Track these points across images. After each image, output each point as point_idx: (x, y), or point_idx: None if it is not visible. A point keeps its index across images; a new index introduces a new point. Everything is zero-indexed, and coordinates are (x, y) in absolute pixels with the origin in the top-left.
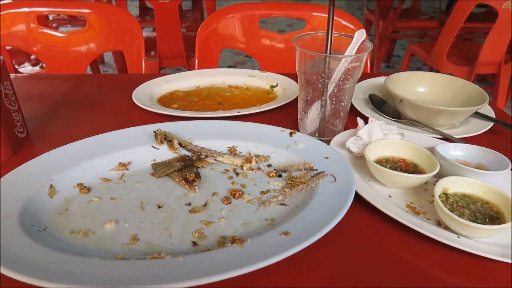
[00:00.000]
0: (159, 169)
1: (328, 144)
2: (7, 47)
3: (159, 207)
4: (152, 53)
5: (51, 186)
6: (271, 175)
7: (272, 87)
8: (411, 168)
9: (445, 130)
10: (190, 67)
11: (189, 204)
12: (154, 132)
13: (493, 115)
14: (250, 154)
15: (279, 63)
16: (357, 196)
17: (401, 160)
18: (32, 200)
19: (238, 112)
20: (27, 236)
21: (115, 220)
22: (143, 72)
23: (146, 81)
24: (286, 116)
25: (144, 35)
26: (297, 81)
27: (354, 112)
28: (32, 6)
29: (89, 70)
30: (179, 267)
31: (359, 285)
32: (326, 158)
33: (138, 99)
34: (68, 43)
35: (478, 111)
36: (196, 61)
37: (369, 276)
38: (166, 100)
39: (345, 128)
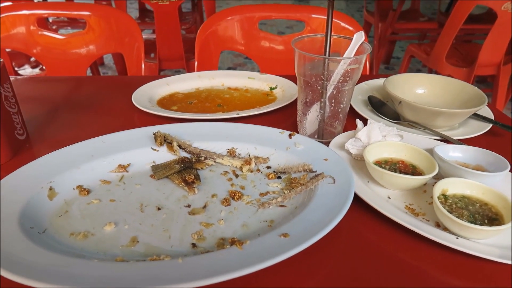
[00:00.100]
0: (159, 171)
1: (327, 145)
2: (7, 50)
3: (159, 209)
4: (152, 55)
5: (50, 188)
6: (270, 176)
7: (271, 89)
8: (410, 170)
9: (444, 132)
10: (189, 69)
11: (189, 206)
12: (154, 134)
13: (492, 116)
14: (249, 156)
15: (279, 65)
16: (356, 198)
17: (400, 162)
18: (31, 202)
19: (238, 114)
20: (26, 238)
21: (114, 222)
22: (143, 74)
23: (146, 83)
24: (285, 118)
25: (143, 37)
26: (296, 83)
27: (353, 114)
28: (32, 9)
29: (89, 72)
30: (179, 269)
31: (359, 286)
32: (325, 159)
33: (138, 101)
34: (68, 45)
35: (477, 112)
36: (196, 63)
37: (368, 277)
38: (166, 102)
39: (344, 130)
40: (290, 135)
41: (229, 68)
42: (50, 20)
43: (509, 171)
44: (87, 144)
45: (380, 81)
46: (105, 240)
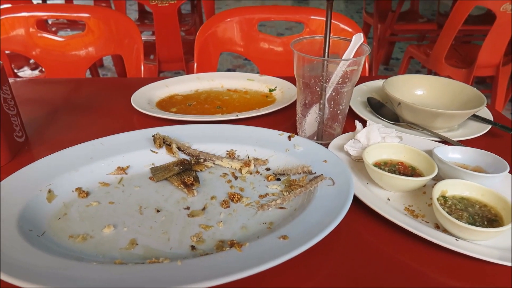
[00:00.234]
0: (158, 173)
1: (327, 147)
2: (6, 52)
3: (158, 211)
4: (151, 56)
5: (49, 191)
6: (269, 178)
7: (270, 90)
8: (410, 171)
9: (443, 133)
10: (189, 70)
11: (188, 208)
12: (153, 136)
13: (491, 117)
14: (248, 157)
15: (278, 67)
16: (356, 199)
17: (399, 163)
18: (30, 205)
19: (237, 115)
20: (25, 241)
21: (113, 225)
22: (142, 76)
23: (145, 85)
24: (284, 120)
25: (143, 38)
26: (295, 85)
27: (352, 115)
28: (31, 11)
29: (88, 74)
30: (178, 272)
31: None
32: (325, 161)
33: (137, 103)
34: (67, 47)
35: (476, 113)
36: (195, 64)
37: (367, 279)
38: (165, 104)
39: (344, 131)
40: (289, 137)
41: (228, 70)
42: (50, 22)
43: (509, 172)
44: (86, 146)
45: (379, 83)
46: (104, 243)
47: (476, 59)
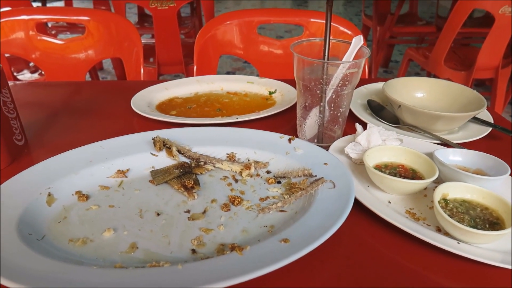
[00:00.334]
0: (158, 176)
1: (327, 150)
2: (6, 55)
3: (158, 214)
4: (151, 59)
5: (49, 194)
6: (270, 181)
7: (270, 93)
8: (410, 174)
9: (444, 136)
10: (188, 73)
11: (188, 211)
12: (153, 139)
13: (491, 120)
14: (249, 160)
15: (277, 69)
16: (356, 202)
17: (400, 166)
18: (30, 208)
19: (237, 118)
20: (25, 244)
21: (113, 228)
22: (142, 79)
23: (145, 88)
24: (284, 122)
25: (142, 41)
26: (295, 87)
27: (352, 118)
28: (31, 14)
29: (87, 77)
30: (178, 275)
31: None
32: (325, 164)
33: (137, 106)
34: (67, 50)
35: (476, 116)
36: (195, 67)
37: (369, 282)
38: (165, 106)
39: (344, 134)
40: (289, 140)
41: (227, 73)
42: (49, 25)
43: (509, 175)
44: (86, 149)
45: (379, 85)
46: (104, 246)
47: (475, 61)
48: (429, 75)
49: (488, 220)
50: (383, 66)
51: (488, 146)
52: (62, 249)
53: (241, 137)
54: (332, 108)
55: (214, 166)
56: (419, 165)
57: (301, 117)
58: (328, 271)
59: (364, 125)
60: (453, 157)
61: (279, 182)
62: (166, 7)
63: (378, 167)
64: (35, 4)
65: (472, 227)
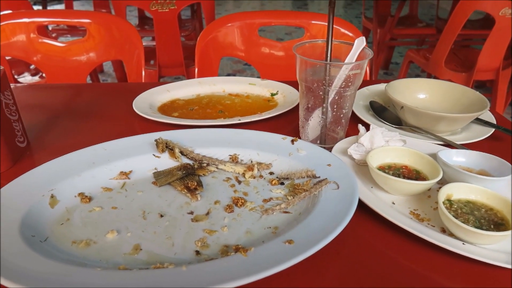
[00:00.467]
0: (161, 177)
1: (330, 151)
2: (7, 57)
3: (161, 216)
4: (152, 62)
5: (52, 196)
6: (273, 182)
7: (272, 94)
8: (414, 175)
9: (447, 136)
10: (189, 75)
11: (192, 212)
12: (155, 140)
13: (493, 121)
14: (252, 161)
15: (279, 71)
16: (360, 203)
17: (403, 167)
18: (33, 210)
19: (239, 120)
20: (28, 246)
21: (116, 230)
22: (143, 81)
23: (146, 90)
24: (287, 124)
25: (143, 44)
26: (297, 89)
27: (355, 119)
28: (32, 17)
29: (88, 80)
30: (183, 277)
31: None
32: (329, 165)
33: (139, 108)
34: (68, 53)
35: (479, 117)
36: (196, 69)
37: (373, 283)
38: (167, 108)
39: (347, 135)
40: (292, 141)
41: (228, 75)
42: (50, 28)
43: None
44: (88, 151)
45: (381, 86)
46: (107, 248)
47: (476, 63)
48: (429, 76)
49: (493, 221)
50: (383, 68)
51: (491, 147)
52: (65, 251)
53: (243, 139)
54: (335, 110)
55: (217, 168)
56: (422, 166)
57: (303, 118)
58: (332, 272)
59: (367, 127)
60: (457, 158)
61: (282, 183)
62: (166, 10)
63: (382, 168)
64: (36, 7)
65: (477, 227)
